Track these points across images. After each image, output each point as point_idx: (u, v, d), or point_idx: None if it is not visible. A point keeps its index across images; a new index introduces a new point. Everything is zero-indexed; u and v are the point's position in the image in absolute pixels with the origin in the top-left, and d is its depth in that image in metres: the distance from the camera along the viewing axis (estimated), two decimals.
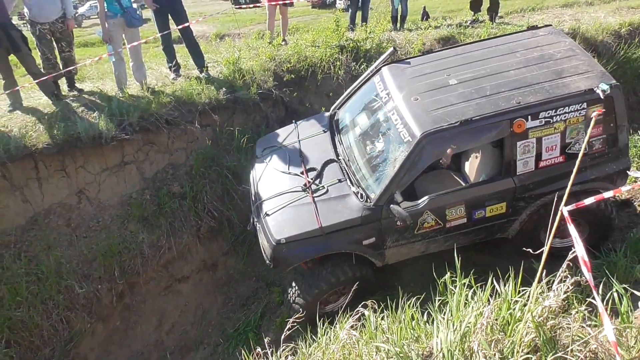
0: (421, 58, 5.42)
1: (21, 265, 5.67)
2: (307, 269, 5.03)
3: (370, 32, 8.16)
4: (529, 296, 2.80)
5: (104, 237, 6.04)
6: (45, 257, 5.80)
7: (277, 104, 7.29)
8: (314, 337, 3.30)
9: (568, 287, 2.70)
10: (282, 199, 4.98)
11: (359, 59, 7.72)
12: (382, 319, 3.11)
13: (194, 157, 6.66)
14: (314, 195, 4.88)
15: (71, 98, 6.59)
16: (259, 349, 2.94)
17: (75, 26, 8.28)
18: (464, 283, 3.04)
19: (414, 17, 11.47)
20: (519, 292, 2.87)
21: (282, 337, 3.05)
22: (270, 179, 5.32)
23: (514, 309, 2.77)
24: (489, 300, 2.90)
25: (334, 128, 5.71)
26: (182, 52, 8.00)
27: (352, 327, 3.03)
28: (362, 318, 3.15)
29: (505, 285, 2.94)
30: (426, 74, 5.07)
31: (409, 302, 3.19)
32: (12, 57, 6.33)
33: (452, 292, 3.08)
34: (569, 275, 2.80)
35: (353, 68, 7.59)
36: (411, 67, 5.25)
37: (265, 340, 3.04)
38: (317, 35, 8.21)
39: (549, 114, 4.53)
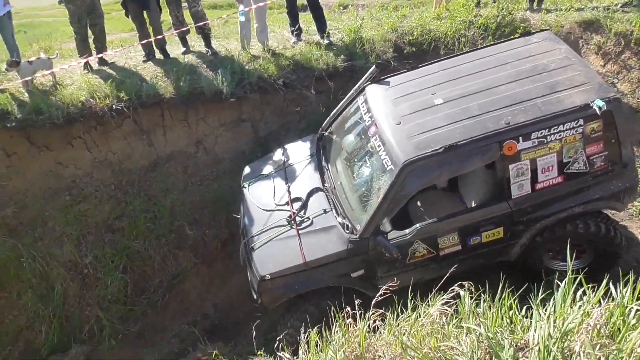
0: (406, 75, 5.09)
1: (141, 203, 6.25)
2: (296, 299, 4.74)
3: (502, 10, 7.65)
4: None
5: (216, 187, 6.45)
6: (162, 198, 6.34)
7: None
8: (404, 309, 3.25)
9: None
10: (268, 234, 4.81)
11: (487, 37, 7.30)
12: (477, 303, 2.99)
13: (307, 122, 6.79)
14: (299, 227, 4.68)
15: (209, 56, 6.99)
16: (348, 309, 2.96)
17: None
18: (573, 279, 2.80)
19: None
20: (638, 298, 2.59)
21: (373, 302, 3.06)
22: (256, 212, 5.12)
23: (629, 316, 2.50)
24: (600, 302, 2.65)
25: (320, 152, 5.42)
26: (304, 18, 8.12)
27: (444, 304, 2.94)
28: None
29: (622, 289, 2.66)
30: (411, 93, 4.75)
31: (509, 290, 3.03)
32: None
33: (558, 286, 2.86)
34: None
35: (479, 45, 7.19)
36: (396, 85, 4.94)
37: (356, 302, 3.06)
38: (444, 8, 7.88)
39: (542, 133, 4.14)
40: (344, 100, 5.44)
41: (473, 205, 4.80)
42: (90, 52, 6.78)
